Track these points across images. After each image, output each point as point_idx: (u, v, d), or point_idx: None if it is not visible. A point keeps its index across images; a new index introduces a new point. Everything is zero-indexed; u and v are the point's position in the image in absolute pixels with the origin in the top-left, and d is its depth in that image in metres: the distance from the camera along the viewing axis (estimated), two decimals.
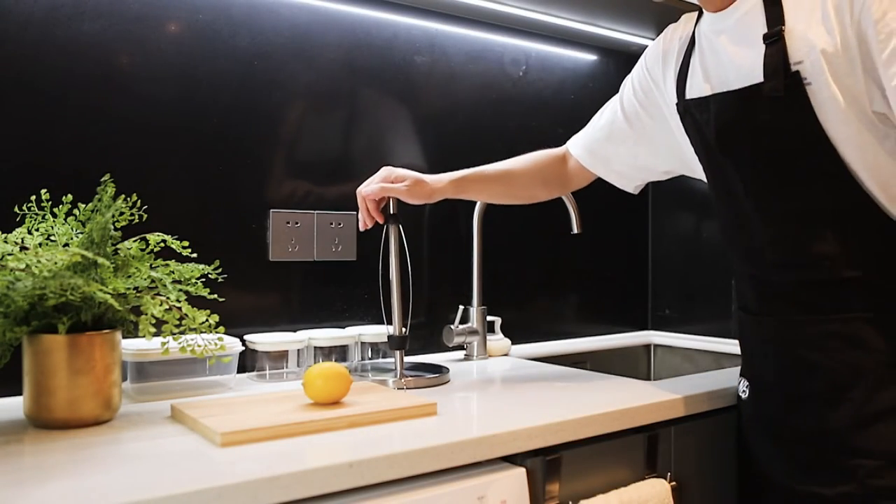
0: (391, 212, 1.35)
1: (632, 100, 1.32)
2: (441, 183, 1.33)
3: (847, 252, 1.02)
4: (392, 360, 1.40)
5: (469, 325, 1.62)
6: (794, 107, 1.00)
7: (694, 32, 1.18)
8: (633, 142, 1.33)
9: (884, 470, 1.00)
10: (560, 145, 1.93)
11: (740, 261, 1.16)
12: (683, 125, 1.19)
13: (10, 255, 0.97)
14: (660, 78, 1.26)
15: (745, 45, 1.06)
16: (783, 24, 1.01)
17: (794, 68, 1.00)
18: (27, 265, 0.94)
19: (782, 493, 1.11)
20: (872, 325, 1.02)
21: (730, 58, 1.09)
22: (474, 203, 1.66)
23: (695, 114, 1.14)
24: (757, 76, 1.03)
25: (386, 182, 1.30)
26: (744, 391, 1.20)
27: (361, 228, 1.33)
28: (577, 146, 1.41)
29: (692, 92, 1.16)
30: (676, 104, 1.19)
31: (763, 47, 1.03)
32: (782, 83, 1.00)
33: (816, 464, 1.06)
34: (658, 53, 1.27)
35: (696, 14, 1.20)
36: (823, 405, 1.05)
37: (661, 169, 1.35)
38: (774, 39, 1.01)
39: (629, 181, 1.39)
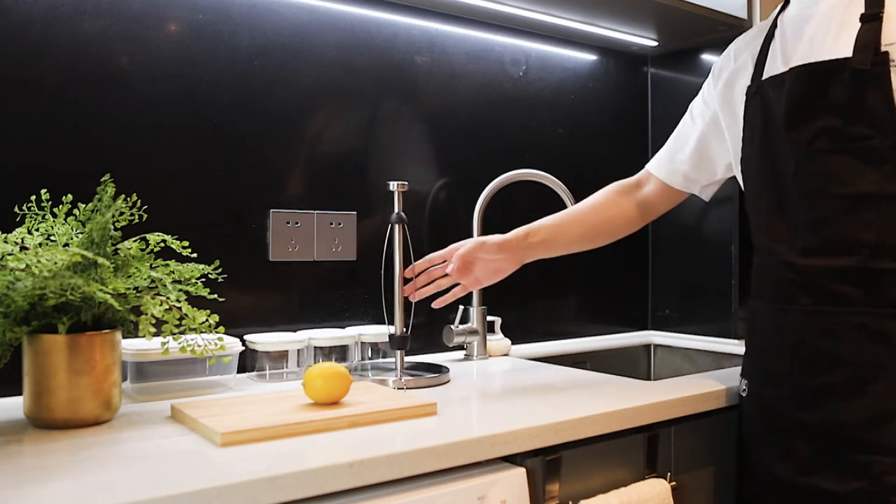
0: (396, 211, 1.35)
1: (699, 102, 1.37)
2: (510, 236, 1.34)
3: (889, 242, 1.02)
4: (392, 360, 1.40)
5: (469, 325, 1.62)
6: (874, 83, 1.02)
7: (776, 19, 1.21)
8: (696, 136, 1.35)
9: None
10: (560, 145, 1.94)
11: (771, 246, 1.15)
12: (746, 110, 1.20)
13: (10, 255, 0.96)
14: (724, 76, 1.28)
15: (836, 27, 1.09)
16: (883, 8, 1.04)
17: (884, 48, 1.02)
18: (27, 265, 0.94)
19: (784, 488, 1.11)
20: None
21: (817, 38, 1.11)
22: (474, 203, 1.66)
23: (767, 92, 1.15)
24: (844, 54, 1.05)
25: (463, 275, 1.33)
26: (744, 390, 1.20)
27: (407, 293, 1.36)
28: (651, 162, 1.44)
29: (769, 72, 1.17)
30: (748, 87, 1.20)
31: (856, 29, 1.05)
32: (870, 58, 1.02)
33: (825, 459, 1.06)
34: (730, 55, 1.30)
35: (776, 10, 1.23)
36: (840, 399, 1.05)
37: (723, 161, 1.33)
38: (872, 19, 1.04)
39: (694, 182, 1.39)
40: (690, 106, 1.40)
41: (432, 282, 1.35)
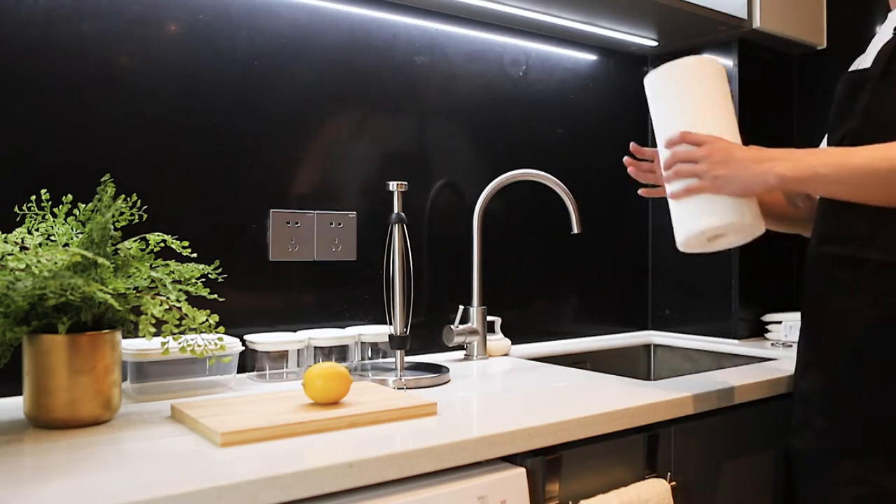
0: (396, 211, 1.35)
1: None
2: None
3: (875, 235, 1.09)
4: (392, 360, 1.40)
5: (469, 325, 1.62)
6: (886, 92, 1.10)
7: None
8: None
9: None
10: (560, 145, 1.94)
11: (811, 235, 1.25)
12: None
13: (10, 255, 0.97)
14: None
15: (883, 40, 1.16)
16: None
17: None
18: (27, 265, 0.94)
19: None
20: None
21: (874, 48, 1.18)
22: (474, 203, 1.66)
23: (838, 88, 1.22)
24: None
25: None
26: None
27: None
28: None
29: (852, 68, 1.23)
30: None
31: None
32: (881, 69, 1.10)
33: (798, 419, 1.22)
34: None
35: None
36: (811, 370, 1.19)
37: None
38: None
39: None
40: None
41: None
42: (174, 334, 1.02)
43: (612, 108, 2.05)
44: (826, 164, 1.06)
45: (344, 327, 1.52)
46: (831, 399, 1.15)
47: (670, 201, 1.17)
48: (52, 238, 1.06)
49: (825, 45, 2.01)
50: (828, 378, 1.15)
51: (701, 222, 1.12)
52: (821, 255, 1.19)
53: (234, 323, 1.36)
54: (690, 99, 1.16)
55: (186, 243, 1.12)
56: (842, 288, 1.14)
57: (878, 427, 1.11)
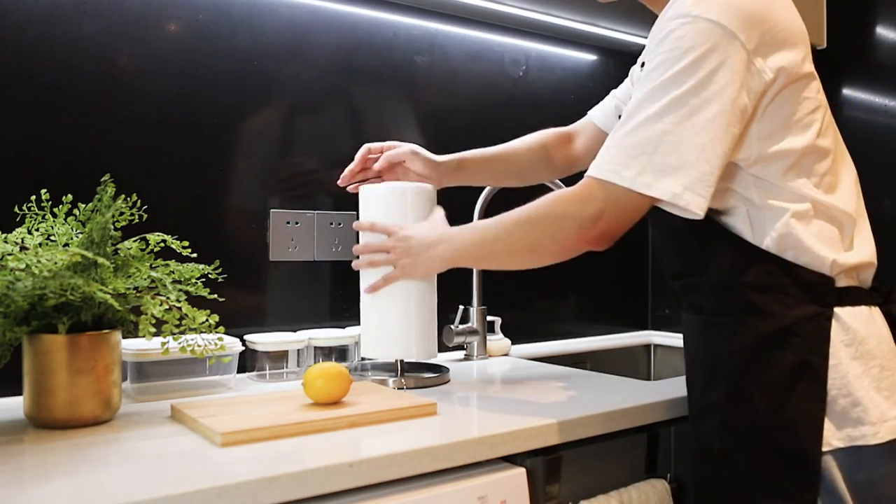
0: None
1: None
2: (443, 158, 1.36)
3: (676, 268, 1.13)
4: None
5: (469, 325, 1.62)
6: None
7: None
8: None
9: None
10: None
11: None
12: None
13: (10, 255, 0.97)
14: None
15: None
16: None
17: None
18: (27, 265, 0.94)
19: None
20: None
21: None
22: (474, 202, 1.66)
23: None
24: None
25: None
26: None
27: (342, 182, 1.35)
28: (596, 111, 1.44)
29: None
30: None
31: None
32: None
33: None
34: None
35: None
36: (689, 390, 1.11)
37: None
38: None
39: None
40: None
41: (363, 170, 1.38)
42: (174, 334, 1.02)
43: None
44: (472, 243, 1.13)
45: (344, 327, 1.52)
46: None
47: (362, 296, 1.29)
48: (52, 238, 1.06)
49: (825, 45, 2.01)
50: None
51: (374, 352, 1.28)
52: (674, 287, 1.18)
53: (234, 323, 1.36)
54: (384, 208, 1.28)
55: (186, 243, 1.12)
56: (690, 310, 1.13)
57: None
